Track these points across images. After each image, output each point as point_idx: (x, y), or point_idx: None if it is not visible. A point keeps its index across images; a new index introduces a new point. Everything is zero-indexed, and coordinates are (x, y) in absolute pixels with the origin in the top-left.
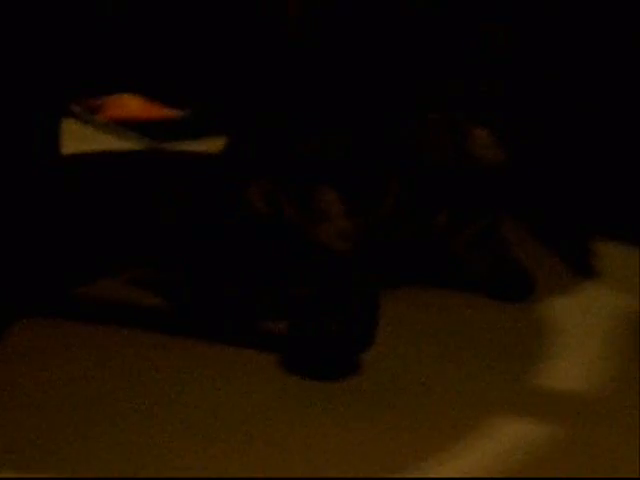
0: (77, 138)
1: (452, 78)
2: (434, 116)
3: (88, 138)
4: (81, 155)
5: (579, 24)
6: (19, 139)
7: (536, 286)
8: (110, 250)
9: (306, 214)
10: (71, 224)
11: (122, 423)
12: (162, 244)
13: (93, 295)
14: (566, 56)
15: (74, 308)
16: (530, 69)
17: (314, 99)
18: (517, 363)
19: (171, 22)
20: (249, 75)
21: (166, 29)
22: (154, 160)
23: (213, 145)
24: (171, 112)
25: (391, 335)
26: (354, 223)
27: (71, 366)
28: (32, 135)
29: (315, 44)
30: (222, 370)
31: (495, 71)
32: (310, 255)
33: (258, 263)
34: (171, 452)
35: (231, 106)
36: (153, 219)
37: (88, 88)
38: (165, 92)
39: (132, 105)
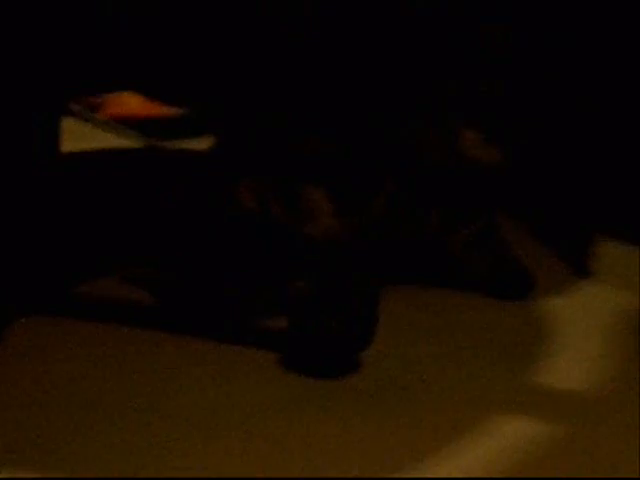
0: (77, 136)
1: (451, 78)
2: (430, 116)
3: (87, 136)
4: (81, 153)
5: (579, 24)
6: (18, 137)
7: (536, 285)
8: (110, 248)
9: (292, 213)
10: (71, 222)
11: (122, 422)
12: (160, 242)
13: (93, 294)
14: (566, 56)
15: (74, 307)
16: (530, 69)
17: (304, 99)
18: (517, 362)
19: (171, 21)
20: (244, 74)
21: (165, 27)
22: (154, 158)
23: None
24: (171, 110)
25: (391, 334)
26: (342, 222)
27: (71, 365)
28: (31, 133)
29: (311, 44)
30: (222, 369)
31: (495, 71)
32: (299, 253)
33: (254, 261)
34: (171, 452)
35: (224, 105)
36: (152, 217)
37: (88, 86)
38: (165, 90)
39: (132, 103)
